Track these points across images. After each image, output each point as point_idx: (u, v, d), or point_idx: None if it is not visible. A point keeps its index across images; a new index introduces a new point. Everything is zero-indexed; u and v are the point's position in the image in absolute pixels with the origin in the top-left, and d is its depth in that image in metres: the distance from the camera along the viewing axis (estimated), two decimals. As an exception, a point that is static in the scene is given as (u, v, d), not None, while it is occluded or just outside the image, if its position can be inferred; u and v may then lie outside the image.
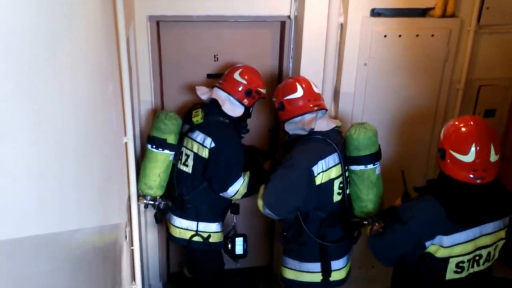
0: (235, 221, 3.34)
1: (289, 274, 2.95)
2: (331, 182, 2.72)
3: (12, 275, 0.81)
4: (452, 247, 2.31)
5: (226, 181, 2.95)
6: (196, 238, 3.09)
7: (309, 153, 2.69)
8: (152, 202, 3.09)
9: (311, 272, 2.88)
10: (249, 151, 3.34)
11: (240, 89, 3.02)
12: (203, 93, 3.07)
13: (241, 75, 3.04)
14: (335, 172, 2.73)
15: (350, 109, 3.43)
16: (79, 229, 1.38)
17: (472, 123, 2.30)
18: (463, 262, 2.35)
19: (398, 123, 3.51)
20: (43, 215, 1.00)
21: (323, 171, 2.68)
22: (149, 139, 3.03)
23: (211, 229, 3.13)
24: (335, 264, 2.88)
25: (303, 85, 2.84)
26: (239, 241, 3.26)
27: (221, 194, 3.01)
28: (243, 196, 3.05)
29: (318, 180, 2.67)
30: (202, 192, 3.05)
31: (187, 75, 3.51)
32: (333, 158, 2.71)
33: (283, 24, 3.49)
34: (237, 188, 2.96)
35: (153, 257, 3.88)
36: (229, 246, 3.26)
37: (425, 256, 2.36)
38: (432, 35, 3.31)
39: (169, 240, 3.81)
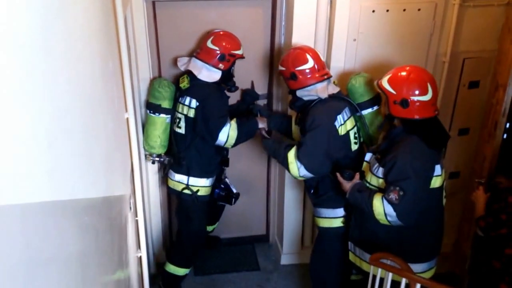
0: (225, 175, 3.73)
1: (324, 223, 3.21)
2: (347, 133, 3.03)
3: (24, 237, 0.87)
4: (439, 176, 2.64)
5: (214, 129, 3.24)
6: (186, 191, 3.44)
7: (328, 111, 2.97)
8: (157, 159, 3.49)
9: (338, 217, 3.15)
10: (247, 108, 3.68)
11: (213, 55, 3.27)
12: (182, 64, 3.36)
13: (213, 42, 3.29)
14: (350, 124, 3.05)
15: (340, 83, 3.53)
16: (86, 198, 1.48)
17: (410, 68, 2.66)
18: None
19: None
20: (52, 183, 1.08)
21: (341, 125, 2.99)
22: (147, 105, 3.40)
23: (200, 183, 3.46)
24: None
25: (312, 56, 3.05)
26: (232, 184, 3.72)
27: (216, 143, 3.29)
28: (237, 142, 3.32)
29: (339, 133, 2.98)
30: (194, 150, 3.37)
31: (183, 53, 3.59)
32: (346, 112, 3.03)
33: (274, 1, 3.58)
34: (226, 133, 3.24)
35: (156, 227, 4.04)
36: (223, 193, 3.67)
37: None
38: (419, 10, 3.36)
39: (170, 210, 4.04)
